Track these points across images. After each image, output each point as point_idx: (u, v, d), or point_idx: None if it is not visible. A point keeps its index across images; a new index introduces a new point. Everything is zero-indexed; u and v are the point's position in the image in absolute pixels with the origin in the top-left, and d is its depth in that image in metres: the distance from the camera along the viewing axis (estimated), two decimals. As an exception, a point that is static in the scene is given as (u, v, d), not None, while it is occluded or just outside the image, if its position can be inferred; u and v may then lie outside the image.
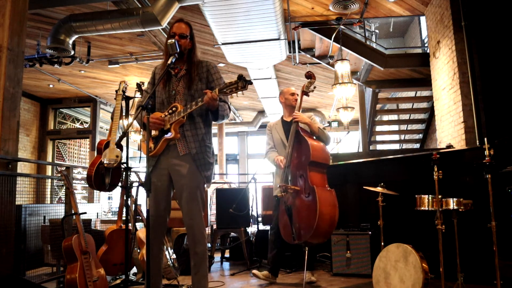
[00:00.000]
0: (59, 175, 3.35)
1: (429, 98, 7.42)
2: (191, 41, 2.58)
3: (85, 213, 3.29)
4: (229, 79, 2.31)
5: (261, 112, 11.85)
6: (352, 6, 5.74)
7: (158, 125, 2.46)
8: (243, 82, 2.22)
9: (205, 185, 2.55)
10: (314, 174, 3.26)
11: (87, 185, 3.97)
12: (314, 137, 3.45)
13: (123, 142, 3.08)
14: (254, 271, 3.61)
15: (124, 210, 3.38)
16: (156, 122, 2.44)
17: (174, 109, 2.45)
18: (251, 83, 2.24)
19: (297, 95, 3.69)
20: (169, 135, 2.44)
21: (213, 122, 2.63)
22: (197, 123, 2.51)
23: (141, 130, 2.63)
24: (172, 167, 2.48)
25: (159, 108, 2.56)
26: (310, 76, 3.51)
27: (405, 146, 9.01)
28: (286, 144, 3.56)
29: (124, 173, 3.45)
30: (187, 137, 2.48)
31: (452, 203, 2.76)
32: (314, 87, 3.53)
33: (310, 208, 3.11)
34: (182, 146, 2.48)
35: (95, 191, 6.78)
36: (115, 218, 4.45)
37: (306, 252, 3.31)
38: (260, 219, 5.21)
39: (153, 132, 2.53)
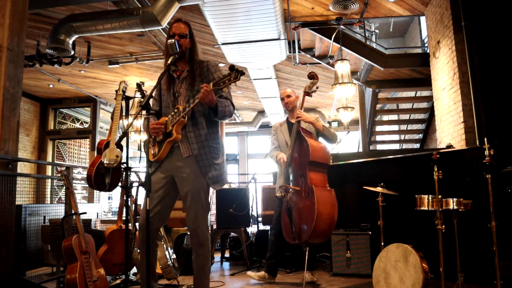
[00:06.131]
0: (59, 175, 3.35)
1: (429, 98, 7.42)
2: (191, 40, 2.55)
3: (85, 213, 3.29)
4: (229, 79, 2.29)
5: (261, 112, 11.85)
6: (352, 6, 5.74)
7: (158, 130, 2.41)
8: (235, 73, 2.17)
9: (214, 185, 2.48)
10: (314, 174, 3.26)
11: (87, 185, 3.98)
12: (319, 137, 3.52)
13: (123, 142, 3.09)
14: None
15: (124, 210, 3.39)
16: (155, 128, 2.41)
17: (176, 110, 2.43)
18: (243, 74, 2.23)
19: (287, 98, 3.70)
20: (171, 137, 2.41)
21: (219, 121, 2.57)
22: (199, 124, 2.47)
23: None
24: (176, 170, 2.45)
25: (165, 112, 2.54)
26: (313, 76, 3.51)
27: (405, 146, 9.00)
28: None
29: (124, 173, 3.46)
30: (189, 138, 2.45)
31: (452, 203, 2.76)
32: (317, 88, 3.54)
33: (309, 208, 3.11)
34: (185, 148, 2.45)
35: (95, 191, 6.78)
36: (115, 218, 4.45)
37: (307, 252, 3.31)
38: (260, 219, 5.20)
39: (159, 137, 2.49)
